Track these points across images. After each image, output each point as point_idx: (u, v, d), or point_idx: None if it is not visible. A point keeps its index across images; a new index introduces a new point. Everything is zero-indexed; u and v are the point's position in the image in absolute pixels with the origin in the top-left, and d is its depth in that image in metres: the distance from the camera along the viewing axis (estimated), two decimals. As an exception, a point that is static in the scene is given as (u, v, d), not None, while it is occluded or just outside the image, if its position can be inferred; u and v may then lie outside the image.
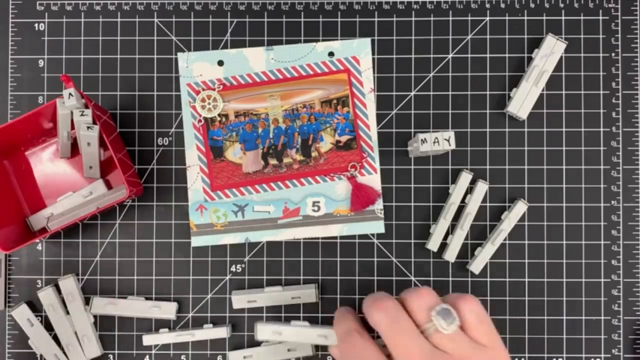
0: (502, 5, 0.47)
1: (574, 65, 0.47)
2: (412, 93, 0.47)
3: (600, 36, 0.47)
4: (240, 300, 0.46)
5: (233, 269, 0.46)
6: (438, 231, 0.46)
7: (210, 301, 0.46)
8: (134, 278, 0.46)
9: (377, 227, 0.46)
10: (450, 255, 0.45)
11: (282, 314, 0.46)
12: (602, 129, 0.47)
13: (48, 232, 0.43)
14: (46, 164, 0.46)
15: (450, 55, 0.47)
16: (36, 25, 0.47)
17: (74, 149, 0.46)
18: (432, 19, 0.47)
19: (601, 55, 0.47)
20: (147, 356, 0.46)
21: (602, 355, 0.46)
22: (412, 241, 0.46)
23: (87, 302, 0.46)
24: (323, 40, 0.47)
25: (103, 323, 0.46)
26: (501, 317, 0.46)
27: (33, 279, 0.46)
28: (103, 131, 0.41)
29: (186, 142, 0.46)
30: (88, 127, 0.42)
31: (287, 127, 0.46)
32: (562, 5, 0.47)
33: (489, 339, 0.34)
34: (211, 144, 0.46)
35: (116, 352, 0.46)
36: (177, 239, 0.46)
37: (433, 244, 0.46)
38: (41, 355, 0.46)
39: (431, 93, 0.47)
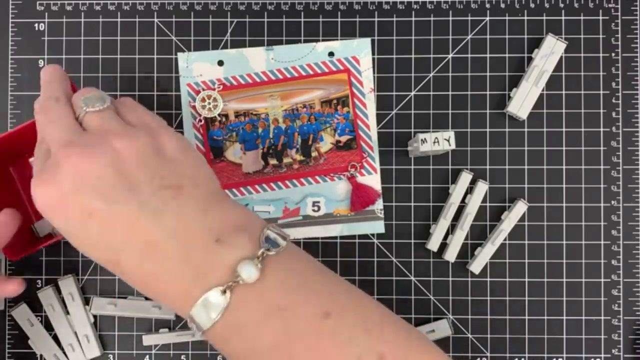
0: (502, 5, 0.47)
1: (574, 65, 0.47)
2: (412, 93, 0.47)
3: (600, 36, 0.47)
4: (240, 300, 0.45)
5: (233, 269, 0.46)
6: (438, 231, 0.46)
7: (210, 301, 0.46)
8: (134, 278, 0.46)
9: (377, 227, 0.46)
10: (450, 255, 0.45)
11: (282, 314, 0.46)
12: (602, 129, 0.47)
13: (54, 238, 0.43)
14: (46, 164, 0.46)
15: (450, 55, 0.47)
16: (36, 25, 0.47)
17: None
18: (432, 19, 0.47)
19: (601, 55, 0.47)
20: (147, 356, 0.46)
21: (602, 355, 0.46)
22: (412, 241, 0.46)
23: (87, 302, 0.46)
24: (323, 40, 0.47)
25: (103, 323, 0.46)
26: (501, 317, 0.46)
27: (33, 279, 0.46)
28: None
29: (186, 142, 0.46)
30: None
31: (287, 127, 0.46)
32: (562, 5, 0.47)
33: (138, 119, 0.34)
34: (211, 144, 0.46)
35: (116, 352, 0.46)
36: (177, 239, 0.46)
37: (433, 244, 0.46)
38: (41, 355, 0.46)
39: (431, 93, 0.47)
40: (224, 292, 0.30)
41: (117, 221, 0.30)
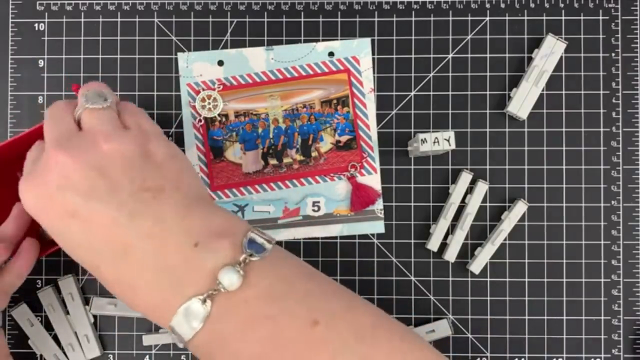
0: (502, 5, 0.47)
1: (574, 65, 0.47)
2: (412, 93, 0.47)
3: (600, 36, 0.47)
4: (240, 300, 0.45)
5: (233, 269, 0.46)
6: (438, 231, 0.46)
7: (210, 301, 0.46)
8: (134, 278, 0.46)
9: (377, 227, 0.46)
10: (450, 255, 0.45)
11: (282, 314, 0.46)
12: (602, 129, 0.47)
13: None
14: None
15: (450, 55, 0.47)
16: (36, 25, 0.47)
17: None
18: (432, 19, 0.47)
19: (601, 55, 0.47)
20: (147, 356, 0.46)
21: (602, 355, 0.46)
22: (412, 241, 0.46)
23: (87, 302, 0.46)
24: (323, 40, 0.47)
25: (103, 323, 0.46)
26: (501, 317, 0.46)
27: (33, 279, 0.46)
28: None
29: (186, 142, 0.46)
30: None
31: (287, 127, 0.46)
32: (562, 5, 0.47)
33: (135, 123, 0.33)
34: (211, 144, 0.46)
35: (116, 352, 0.46)
36: (177, 239, 0.46)
37: (433, 244, 0.46)
38: (41, 355, 0.46)
39: (431, 93, 0.47)
40: (205, 301, 0.29)
41: (96, 222, 0.30)
